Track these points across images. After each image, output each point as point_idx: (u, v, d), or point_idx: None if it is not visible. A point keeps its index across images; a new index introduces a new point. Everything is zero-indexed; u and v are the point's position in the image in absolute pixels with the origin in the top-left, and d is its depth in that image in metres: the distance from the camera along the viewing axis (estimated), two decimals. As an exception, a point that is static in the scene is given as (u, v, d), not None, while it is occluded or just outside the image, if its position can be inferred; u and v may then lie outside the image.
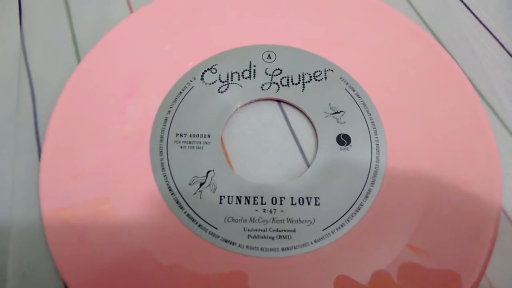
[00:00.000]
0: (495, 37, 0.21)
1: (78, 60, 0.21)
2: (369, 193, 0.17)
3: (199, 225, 0.16)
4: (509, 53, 0.21)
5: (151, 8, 0.21)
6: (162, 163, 0.17)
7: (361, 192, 0.17)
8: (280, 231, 0.16)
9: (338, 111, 0.19)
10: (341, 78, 0.19)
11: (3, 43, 0.21)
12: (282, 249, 0.16)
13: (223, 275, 0.16)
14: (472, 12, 0.22)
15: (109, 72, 0.19)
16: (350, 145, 0.18)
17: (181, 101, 0.19)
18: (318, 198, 0.17)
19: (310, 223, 0.16)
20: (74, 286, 0.15)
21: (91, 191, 0.17)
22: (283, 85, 0.19)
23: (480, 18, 0.22)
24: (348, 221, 0.16)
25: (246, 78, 0.20)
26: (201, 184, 0.17)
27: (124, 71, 0.19)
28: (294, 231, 0.16)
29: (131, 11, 0.22)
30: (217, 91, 0.19)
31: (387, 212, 0.17)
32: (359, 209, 0.17)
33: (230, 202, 0.17)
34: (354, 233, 0.16)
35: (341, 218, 0.16)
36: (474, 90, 0.19)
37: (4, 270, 0.16)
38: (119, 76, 0.19)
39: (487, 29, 0.22)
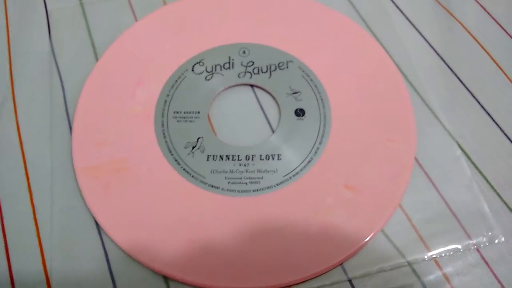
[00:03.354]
0: (418, 31, 0.27)
1: (97, 58, 0.26)
2: (317, 150, 0.23)
3: (192, 176, 0.22)
4: (430, 45, 0.27)
5: (152, 17, 0.27)
6: (164, 132, 0.23)
7: (311, 149, 0.23)
8: (251, 178, 0.22)
9: (296, 91, 0.25)
10: (298, 67, 0.25)
11: (35, 46, 0.27)
12: (253, 191, 0.22)
13: (212, 209, 0.21)
14: (402, 12, 0.28)
15: (121, 67, 0.25)
16: (305, 116, 0.24)
17: (177, 87, 0.25)
18: (280, 154, 0.23)
19: (274, 172, 0.22)
20: (102, 221, 0.21)
21: (111, 154, 0.23)
22: (254, 73, 0.25)
23: (410, 20, 0.28)
24: (302, 170, 0.22)
25: (226, 69, 0.25)
26: (193, 147, 0.23)
27: (133, 65, 0.25)
28: (262, 178, 0.22)
29: (136, 19, 0.28)
30: (204, 79, 0.25)
31: (330, 163, 0.23)
32: (310, 161, 0.23)
33: (214, 159, 0.23)
34: (306, 178, 0.22)
35: (296, 168, 0.22)
36: (401, 74, 0.25)
37: (48, 210, 0.22)
38: (129, 69, 0.25)
39: (413, 25, 0.28)
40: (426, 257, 0.20)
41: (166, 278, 0.20)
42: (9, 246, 0.21)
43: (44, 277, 0.20)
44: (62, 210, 0.22)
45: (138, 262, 0.20)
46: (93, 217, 0.21)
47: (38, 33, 0.28)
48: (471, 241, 0.21)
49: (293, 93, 0.25)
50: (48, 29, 0.28)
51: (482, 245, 0.21)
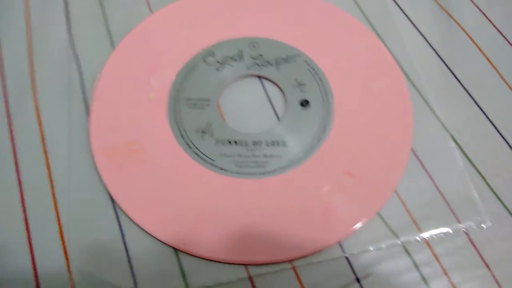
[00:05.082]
0: (419, 31, 0.29)
1: (113, 47, 0.28)
2: (320, 138, 0.24)
3: (202, 159, 0.24)
4: (430, 44, 0.29)
5: (167, 10, 0.29)
6: (176, 118, 0.25)
7: (315, 137, 0.24)
8: (258, 162, 0.24)
9: (302, 83, 0.26)
10: (304, 61, 0.27)
11: (54, 35, 0.28)
12: (259, 174, 0.23)
13: (219, 190, 0.23)
14: (404, 13, 0.30)
15: (137, 55, 0.27)
16: (309, 107, 0.25)
17: (189, 76, 0.26)
18: (285, 141, 0.24)
19: (279, 157, 0.24)
20: (117, 196, 0.23)
21: (126, 136, 0.24)
22: (263, 66, 0.27)
23: (411, 18, 0.30)
24: (305, 156, 0.24)
25: (236, 61, 0.27)
26: (203, 132, 0.24)
27: (148, 54, 0.27)
28: (268, 162, 0.24)
29: (151, 11, 0.29)
30: (215, 70, 0.27)
31: (332, 151, 0.24)
32: (313, 148, 0.24)
33: (223, 144, 0.24)
34: (309, 164, 0.24)
35: (300, 154, 0.24)
36: (400, 70, 0.27)
37: (66, 186, 0.23)
38: (144, 58, 0.27)
39: (415, 26, 0.29)
40: (418, 238, 0.22)
41: (176, 250, 0.22)
42: (28, 220, 0.22)
43: (62, 247, 0.22)
44: (79, 186, 0.23)
45: (150, 235, 0.22)
46: (109, 193, 0.23)
47: (57, 22, 0.29)
48: (460, 225, 0.22)
49: (299, 85, 0.26)
50: (67, 18, 0.29)
51: (470, 229, 0.22)
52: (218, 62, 0.27)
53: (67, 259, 0.21)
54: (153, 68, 0.26)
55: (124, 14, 0.29)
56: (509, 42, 0.29)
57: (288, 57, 0.27)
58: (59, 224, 0.22)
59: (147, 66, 0.26)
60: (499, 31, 0.29)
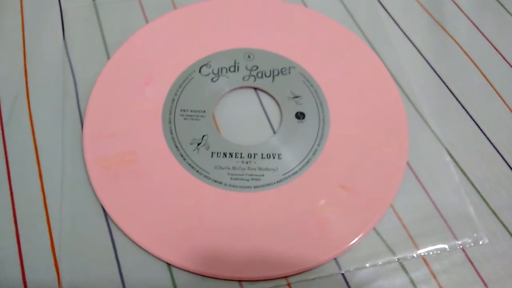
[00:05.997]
0: (413, 44, 0.29)
1: (108, 56, 0.28)
2: (315, 151, 0.24)
3: (197, 171, 0.23)
4: (424, 58, 0.29)
5: (162, 20, 0.28)
6: (171, 129, 0.25)
7: (310, 150, 0.24)
8: (253, 175, 0.23)
9: (297, 95, 0.26)
10: (300, 73, 0.27)
11: (49, 43, 0.28)
12: (254, 187, 0.23)
13: (214, 203, 0.23)
14: (398, 26, 0.30)
15: (132, 65, 0.27)
16: (305, 119, 0.25)
17: (184, 87, 0.26)
18: (280, 154, 0.24)
19: (274, 170, 0.23)
20: (110, 209, 0.22)
21: (121, 147, 0.24)
22: (258, 77, 0.27)
23: (404, 30, 0.30)
24: (300, 169, 0.24)
25: (232, 72, 0.27)
26: (198, 144, 0.24)
27: (143, 64, 0.27)
28: (263, 175, 0.23)
29: (147, 22, 0.29)
30: (211, 80, 0.26)
31: (327, 164, 0.24)
32: (308, 161, 0.24)
33: (218, 156, 0.24)
34: (304, 177, 0.23)
35: (295, 167, 0.24)
36: (395, 83, 0.27)
37: (58, 198, 0.23)
38: (139, 68, 0.26)
39: (408, 38, 0.29)
40: (414, 255, 0.22)
41: (169, 265, 0.21)
42: (19, 232, 0.22)
43: (52, 260, 0.21)
44: (72, 198, 0.23)
45: (143, 249, 0.21)
46: (101, 206, 0.22)
47: (52, 31, 0.29)
48: (457, 242, 0.22)
49: (294, 97, 0.26)
50: (62, 27, 0.29)
51: (467, 246, 0.22)
52: (213, 73, 0.27)
53: (57, 272, 0.21)
54: (148, 78, 0.26)
55: (119, 24, 0.29)
56: (502, 55, 0.29)
57: (283, 69, 0.27)
58: (51, 237, 0.22)
59: (142, 76, 0.26)
60: (492, 45, 0.29)
